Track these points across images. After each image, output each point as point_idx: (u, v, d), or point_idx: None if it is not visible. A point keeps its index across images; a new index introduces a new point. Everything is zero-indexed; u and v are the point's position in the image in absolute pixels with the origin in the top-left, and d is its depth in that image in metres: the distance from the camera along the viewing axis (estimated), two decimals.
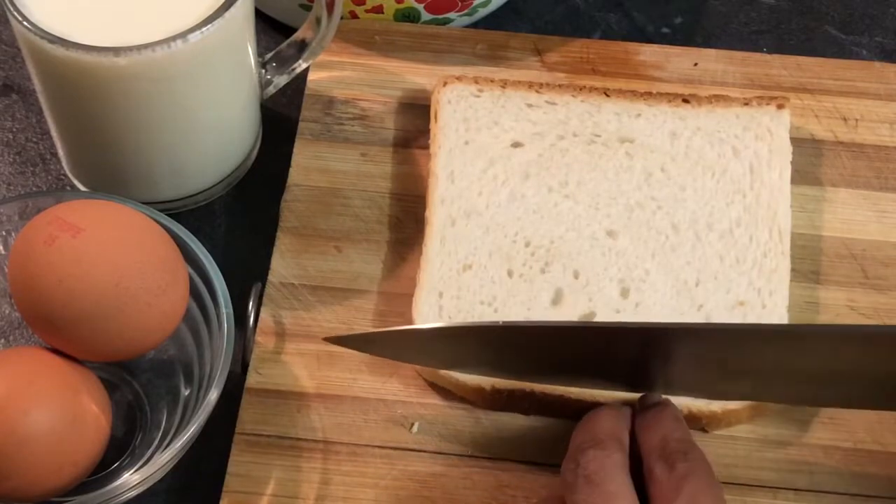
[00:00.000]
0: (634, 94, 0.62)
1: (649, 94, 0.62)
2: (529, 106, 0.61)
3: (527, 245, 0.57)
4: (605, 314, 0.55)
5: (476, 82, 0.62)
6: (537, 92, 0.62)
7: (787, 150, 0.60)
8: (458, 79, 0.62)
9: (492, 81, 0.62)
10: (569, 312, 0.55)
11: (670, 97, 0.62)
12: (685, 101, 0.61)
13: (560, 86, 0.62)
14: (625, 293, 0.56)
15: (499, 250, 0.57)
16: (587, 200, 0.58)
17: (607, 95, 0.61)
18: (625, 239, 0.57)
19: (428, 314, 0.55)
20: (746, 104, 0.61)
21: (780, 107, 0.61)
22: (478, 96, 0.61)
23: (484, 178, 0.59)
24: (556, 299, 0.56)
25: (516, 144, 0.60)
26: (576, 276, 0.56)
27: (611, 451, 0.47)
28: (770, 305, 0.55)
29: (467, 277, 0.56)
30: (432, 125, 0.61)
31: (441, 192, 0.58)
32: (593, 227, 0.57)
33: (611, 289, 0.56)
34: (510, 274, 0.56)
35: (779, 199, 0.58)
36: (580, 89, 0.62)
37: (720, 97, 0.62)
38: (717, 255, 0.57)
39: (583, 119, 0.60)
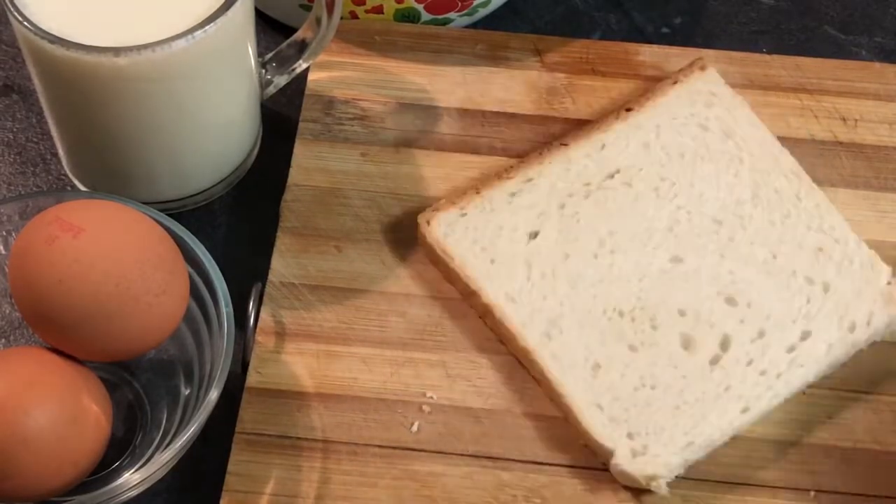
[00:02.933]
0: (589, 129, 0.61)
1: (596, 122, 0.61)
2: (513, 195, 0.59)
3: (621, 315, 0.56)
4: (736, 328, 0.55)
5: (454, 204, 0.59)
6: (509, 178, 0.59)
7: (738, 101, 0.61)
8: (436, 209, 0.58)
9: (463, 194, 0.59)
10: (708, 348, 0.55)
11: (616, 113, 0.61)
12: (628, 109, 0.61)
13: (520, 159, 0.60)
14: (731, 301, 0.56)
15: (605, 335, 0.55)
16: (630, 243, 0.57)
17: (565, 145, 0.60)
18: (688, 256, 0.57)
19: (604, 426, 0.53)
20: (675, 83, 0.62)
21: (702, 69, 0.63)
22: (465, 214, 0.58)
23: (534, 283, 0.56)
24: (687, 344, 0.55)
25: (532, 235, 0.58)
26: (682, 314, 0.56)
27: None
28: (841, 238, 0.58)
29: (606, 376, 0.54)
30: (449, 263, 0.57)
31: (517, 318, 0.55)
32: (656, 263, 0.57)
33: (718, 306, 0.56)
34: (633, 349, 0.55)
35: (769, 145, 0.60)
36: (540, 153, 0.60)
37: (653, 89, 0.62)
38: (768, 222, 0.58)
39: (564, 178, 0.59)
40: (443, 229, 0.58)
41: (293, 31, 0.62)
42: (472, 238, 0.58)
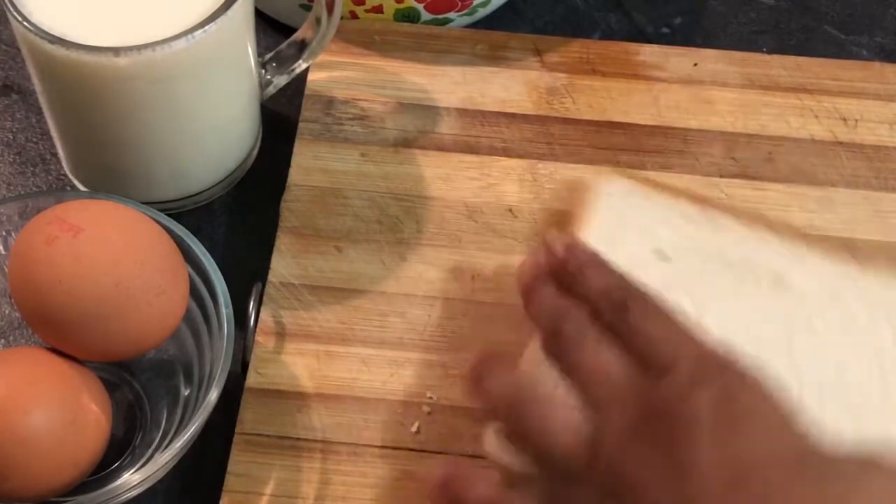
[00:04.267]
0: (798, 235, 0.56)
1: (825, 240, 0.57)
2: (688, 220, 0.56)
3: None
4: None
5: (640, 182, 0.57)
6: (699, 206, 0.57)
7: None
8: (624, 173, 0.57)
9: (656, 184, 0.58)
10: None
11: (844, 249, 0.56)
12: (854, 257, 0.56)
13: (725, 205, 0.58)
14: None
15: None
16: (716, 332, 0.52)
17: (772, 229, 0.56)
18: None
19: None
20: None
21: None
22: (636, 197, 0.57)
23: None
24: None
25: (662, 256, 0.55)
26: None
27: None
28: None
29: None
30: (578, 210, 0.57)
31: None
32: None
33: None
34: None
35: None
36: (749, 218, 0.57)
37: None
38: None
39: (740, 248, 0.55)
40: (612, 189, 0.56)
41: (293, 31, 0.62)
42: (620, 213, 0.56)
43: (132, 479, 0.49)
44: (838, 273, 0.55)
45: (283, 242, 0.59)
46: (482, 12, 0.68)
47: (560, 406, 0.46)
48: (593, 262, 0.49)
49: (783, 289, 0.54)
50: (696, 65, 0.65)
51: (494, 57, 0.66)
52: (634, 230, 0.56)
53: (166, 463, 0.50)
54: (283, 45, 0.62)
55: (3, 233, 0.55)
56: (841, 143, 0.63)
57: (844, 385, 0.52)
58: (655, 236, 0.56)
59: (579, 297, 0.48)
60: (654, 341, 0.46)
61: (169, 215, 0.54)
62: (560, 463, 0.45)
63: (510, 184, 0.61)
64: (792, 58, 0.66)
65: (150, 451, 0.53)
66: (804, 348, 0.53)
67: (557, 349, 0.47)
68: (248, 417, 0.54)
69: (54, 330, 0.50)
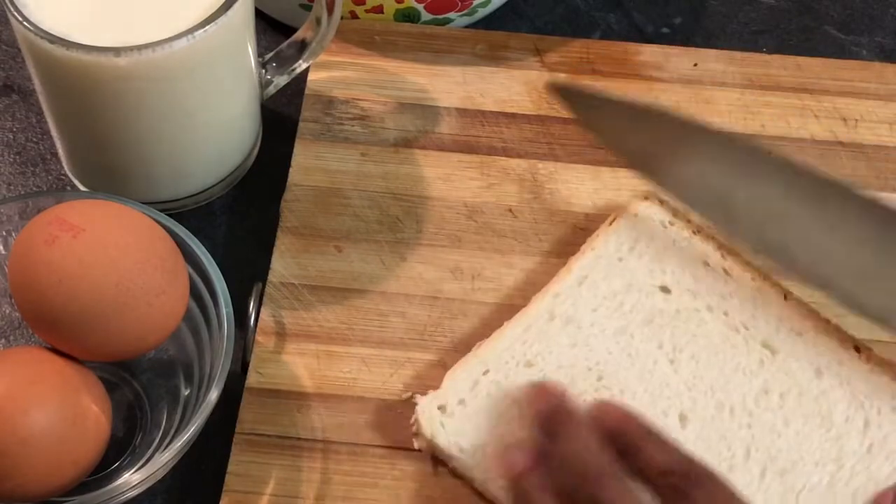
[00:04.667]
0: (809, 314, 0.55)
1: (827, 322, 0.55)
2: (706, 265, 0.56)
3: (598, 379, 0.53)
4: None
5: (674, 213, 0.58)
6: (722, 256, 0.57)
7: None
8: (662, 202, 0.58)
9: (688, 221, 0.58)
10: None
11: (842, 339, 0.55)
12: (856, 349, 0.55)
13: (747, 263, 0.57)
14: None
15: (570, 367, 0.53)
16: (685, 378, 0.53)
17: (785, 298, 0.56)
18: (692, 433, 0.52)
19: (461, 380, 0.53)
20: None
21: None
22: (665, 227, 0.57)
23: (609, 300, 0.55)
24: None
25: (664, 289, 0.56)
26: None
27: (616, 480, 0.47)
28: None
29: (521, 372, 0.53)
30: (604, 226, 0.58)
31: (561, 287, 0.55)
32: (672, 403, 0.53)
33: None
34: None
35: (866, 493, 0.51)
36: (764, 278, 0.56)
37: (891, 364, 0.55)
38: (777, 495, 0.51)
39: (743, 304, 0.55)
40: (642, 210, 0.57)
41: (293, 31, 0.62)
42: (638, 236, 0.57)
43: (132, 479, 0.49)
44: (828, 357, 0.54)
45: (283, 242, 0.59)
46: (482, 12, 0.68)
47: None
48: (653, 436, 0.49)
49: (769, 353, 0.55)
50: (696, 65, 0.65)
51: (494, 57, 0.66)
52: (648, 257, 0.57)
53: (166, 463, 0.50)
54: (283, 45, 0.62)
55: (3, 233, 0.55)
56: (841, 143, 0.63)
57: (796, 462, 0.52)
58: (666, 270, 0.56)
59: (635, 470, 0.48)
60: None
61: (169, 215, 0.54)
62: None
63: (510, 184, 0.61)
64: (792, 58, 0.66)
65: (150, 451, 0.53)
66: (763, 418, 0.53)
67: None
68: (248, 417, 0.54)
69: (54, 330, 0.50)
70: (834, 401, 0.53)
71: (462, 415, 0.52)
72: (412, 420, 0.52)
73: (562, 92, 0.56)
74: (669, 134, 0.54)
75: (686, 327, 0.55)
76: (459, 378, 0.53)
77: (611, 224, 0.58)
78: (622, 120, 0.55)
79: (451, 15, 0.67)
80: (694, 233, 0.58)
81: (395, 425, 0.54)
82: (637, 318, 0.55)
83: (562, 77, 0.60)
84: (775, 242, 0.54)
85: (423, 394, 0.53)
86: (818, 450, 0.52)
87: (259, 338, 0.56)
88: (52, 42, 0.52)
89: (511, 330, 0.55)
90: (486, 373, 0.53)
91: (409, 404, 0.54)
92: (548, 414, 0.50)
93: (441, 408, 0.52)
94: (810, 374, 0.54)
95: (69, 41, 0.52)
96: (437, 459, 0.53)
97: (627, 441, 0.49)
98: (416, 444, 0.52)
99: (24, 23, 0.53)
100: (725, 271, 0.56)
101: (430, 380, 0.55)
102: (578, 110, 0.56)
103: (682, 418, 0.53)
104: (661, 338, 0.55)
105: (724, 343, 0.55)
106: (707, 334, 0.55)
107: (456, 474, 0.52)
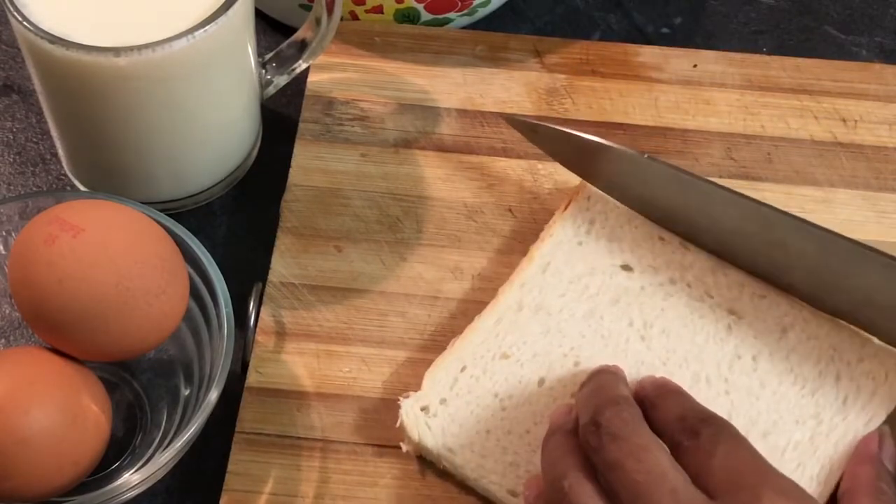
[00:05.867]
0: (770, 282, 0.56)
1: (790, 287, 0.55)
2: (661, 239, 0.57)
3: (575, 364, 0.54)
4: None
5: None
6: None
7: (890, 402, 0.53)
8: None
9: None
10: None
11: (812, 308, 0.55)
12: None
13: None
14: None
15: (546, 355, 0.54)
16: (659, 353, 0.54)
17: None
18: None
19: (440, 380, 0.53)
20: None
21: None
22: (618, 206, 0.58)
23: (575, 284, 0.56)
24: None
25: (626, 268, 0.56)
26: None
27: (627, 406, 0.48)
28: None
29: (498, 365, 0.54)
30: (559, 212, 0.58)
31: (526, 276, 0.56)
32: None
33: None
34: (541, 382, 0.53)
35: (846, 444, 0.52)
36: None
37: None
38: None
39: (704, 274, 0.56)
40: (593, 192, 0.58)
41: (293, 31, 0.62)
42: (593, 218, 0.57)
43: (132, 479, 0.49)
44: (793, 315, 0.55)
45: (283, 242, 0.59)
46: (482, 12, 0.68)
47: None
48: (675, 390, 0.50)
49: (735, 318, 0.55)
50: (695, 66, 0.65)
51: (494, 58, 0.66)
52: (606, 239, 0.57)
53: (166, 463, 0.50)
54: (283, 45, 0.62)
55: (3, 233, 0.55)
56: (840, 144, 0.63)
57: (776, 422, 0.53)
58: (624, 248, 0.57)
59: (656, 425, 0.48)
60: (721, 467, 0.46)
61: (169, 215, 0.54)
62: None
63: (510, 184, 0.61)
64: (791, 58, 0.66)
65: (150, 451, 0.53)
66: (739, 383, 0.53)
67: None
68: (248, 417, 0.54)
69: (54, 330, 0.50)
70: (804, 357, 0.54)
71: (445, 414, 0.52)
72: (397, 424, 0.52)
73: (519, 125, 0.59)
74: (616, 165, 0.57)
75: (652, 302, 0.55)
76: (438, 378, 0.53)
77: (566, 209, 0.58)
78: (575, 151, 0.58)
79: (451, 15, 0.67)
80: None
81: (395, 425, 0.54)
82: (604, 299, 0.55)
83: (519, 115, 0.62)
84: (726, 245, 0.56)
85: (406, 396, 0.53)
86: (796, 407, 0.53)
87: (259, 338, 0.56)
88: (52, 42, 0.52)
89: (482, 324, 0.55)
90: (463, 369, 0.54)
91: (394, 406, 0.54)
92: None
93: (424, 409, 0.53)
94: (777, 333, 0.55)
95: (69, 41, 0.52)
96: (423, 461, 0.53)
97: (647, 397, 0.50)
98: (403, 448, 0.52)
99: (24, 23, 0.53)
100: (682, 244, 0.57)
101: None
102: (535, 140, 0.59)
103: None
104: (630, 315, 0.55)
105: (692, 314, 0.55)
106: (673, 307, 0.55)
107: (447, 474, 0.52)
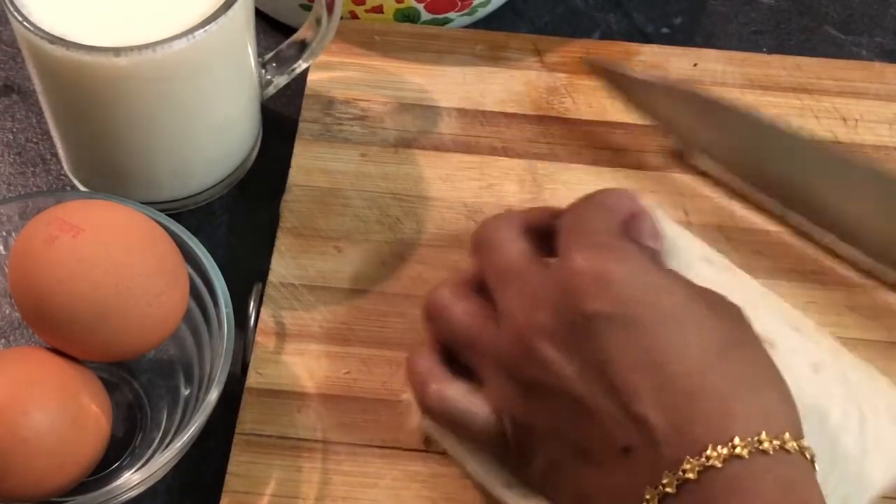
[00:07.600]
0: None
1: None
2: (708, 262, 0.55)
3: None
4: None
5: (685, 214, 0.58)
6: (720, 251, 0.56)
7: None
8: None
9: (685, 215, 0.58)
10: None
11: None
12: None
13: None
14: None
15: None
16: None
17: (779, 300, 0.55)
18: None
19: None
20: None
21: None
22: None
23: None
24: None
25: None
26: None
27: (503, 218, 0.51)
28: None
29: None
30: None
31: None
32: None
33: None
34: None
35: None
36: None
37: None
38: None
39: (743, 299, 0.51)
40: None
41: (293, 31, 0.62)
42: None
43: (132, 479, 0.49)
44: (826, 350, 0.53)
45: (283, 242, 0.59)
46: (482, 12, 0.68)
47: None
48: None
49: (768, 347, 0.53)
50: (695, 65, 0.65)
51: (494, 57, 0.66)
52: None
53: (166, 463, 0.50)
54: (283, 45, 0.62)
55: (3, 233, 0.55)
56: (841, 144, 0.63)
57: None
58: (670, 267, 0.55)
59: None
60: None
61: (169, 215, 0.54)
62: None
63: (510, 184, 0.61)
64: (792, 58, 0.66)
65: (150, 451, 0.53)
66: None
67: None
68: (248, 417, 0.54)
69: (54, 330, 0.50)
70: (829, 396, 0.52)
71: None
72: (408, 420, 0.52)
73: (604, 73, 0.62)
74: (713, 115, 0.59)
75: None
76: None
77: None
78: (664, 100, 0.61)
79: (451, 15, 0.67)
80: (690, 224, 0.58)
81: (395, 425, 0.54)
82: None
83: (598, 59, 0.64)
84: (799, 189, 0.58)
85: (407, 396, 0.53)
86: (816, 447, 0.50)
87: (259, 338, 0.56)
88: (52, 42, 0.52)
89: None
90: None
91: (409, 404, 0.54)
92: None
93: None
94: (808, 369, 0.52)
95: (69, 41, 0.52)
96: (425, 457, 0.53)
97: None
98: (415, 443, 0.52)
99: (24, 23, 0.53)
100: (727, 269, 0.56)
101: None
102: (620, 91, 0.62)
103: None
104: None
105: None
106: None
107: (447, 474, 0.52)
